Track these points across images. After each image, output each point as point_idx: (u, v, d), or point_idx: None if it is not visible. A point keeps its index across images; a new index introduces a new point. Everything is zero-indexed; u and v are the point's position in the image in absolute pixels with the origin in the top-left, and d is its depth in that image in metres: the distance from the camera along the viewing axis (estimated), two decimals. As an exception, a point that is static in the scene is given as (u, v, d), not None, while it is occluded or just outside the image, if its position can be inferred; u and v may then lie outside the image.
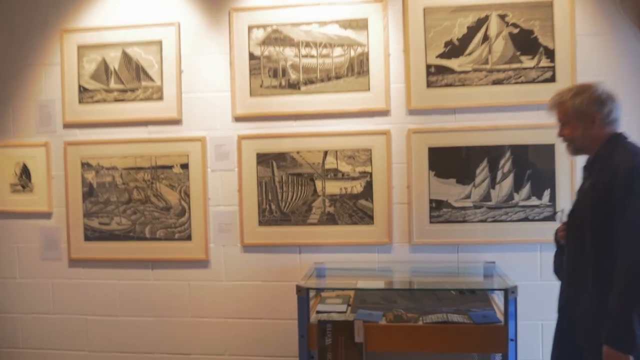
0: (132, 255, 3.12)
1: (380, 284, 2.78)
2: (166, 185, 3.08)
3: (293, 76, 2.97)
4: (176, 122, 3.08)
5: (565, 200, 2.81)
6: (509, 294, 2.28)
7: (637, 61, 2.80)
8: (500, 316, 2.41)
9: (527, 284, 2.80)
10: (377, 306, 2.58)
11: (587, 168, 2.09)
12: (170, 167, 3.08)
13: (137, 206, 3.11)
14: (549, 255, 2.88)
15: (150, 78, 3.08)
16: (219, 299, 3.08)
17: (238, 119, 3.04)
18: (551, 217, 2.82)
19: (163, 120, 3.09)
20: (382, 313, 2.47)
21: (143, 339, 3.16)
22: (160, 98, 3.07)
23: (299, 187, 2.97)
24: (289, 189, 2.97)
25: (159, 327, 3.14)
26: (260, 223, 3.00)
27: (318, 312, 2.56)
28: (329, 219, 2.96)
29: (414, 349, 2.33)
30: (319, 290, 2.76)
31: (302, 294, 2.39)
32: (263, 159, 2.99)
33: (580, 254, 2.00)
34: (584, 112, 2.01)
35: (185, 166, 3.06)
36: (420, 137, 2.90)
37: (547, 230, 2.83)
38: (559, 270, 2.21)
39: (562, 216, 2.11)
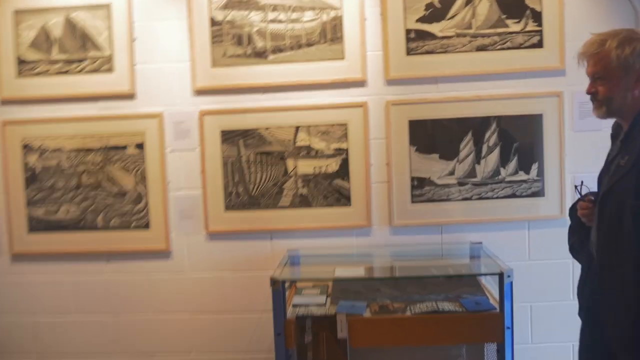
0: (84, 247, 2.79)
1: (360, 271, 2.56)
2: (120, 168, 2.76)
3: (259, 44, 2.68)
4: (129, 96, 2.75)
5: (554, 175, 2.64)
6: (505, 278, 2.09)
7: (628, 24, 2.63)
8: (493, 302, 2.23)
9: (516, 264, 2.61)
10: (359, 296, 2.36)
11: (620, 139, 1.78)
12: (124, 147, 2.76)
13: (88, 192, 2.78)
14: (538, 234, 2.73)
15: (98, 47, 2.73)
16: (182, 293, 2.80)
17: (199, 92, 2.73)
18: (539, 193, 2.65)
19: (114, 95, 2.75)
20: (366, 304, 2.26)
21: (99, 340, 2.85)
22: (110, 69, 2.73)
23: (269, 167, 2.70)
24: (258, 170, 2.71)
25: (117, 326, 2.84)
26: (227, 208, 2.73)
27: (294, 305, 2.32)
28: (302, 202, 2.71)
29: (403, 342, 2.13)
30: (295, 281, 2.51)
31: (277, 287, 2.14)
32: (228, 136, 2.71)
33: (615, 248, 1.67)
34: (632, 67, 1.67)
35: (140, 146, 2.75)
36: (399, 109, 2.66)
37: (536, 207, 2.67)
38: (577, 248, 1.96)
39: (581, 189, 1.90)
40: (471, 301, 2.21)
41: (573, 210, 1.95)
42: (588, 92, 1.78)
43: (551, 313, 2.71)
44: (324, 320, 2.13)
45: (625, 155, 1.70)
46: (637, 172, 1.62)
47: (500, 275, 2.09)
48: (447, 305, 2.18)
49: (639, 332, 1.61)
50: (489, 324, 2.10)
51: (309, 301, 2.34)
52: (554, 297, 2.71)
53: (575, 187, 1.93)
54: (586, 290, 1.86)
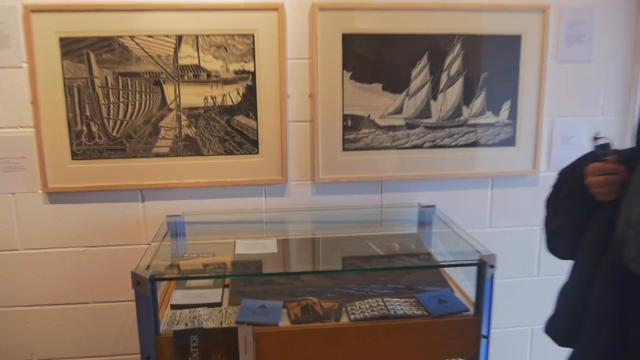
0: None
1: (271, 246, 1.83)
2: None
3: None
4: None
5: (529, 118, 2.00)
6: (486, 269, 1.44)
7: None
8: (461, 297, 1.59)
9: (474, 232, 2.01)
10: (272, 288, 1.63)
11: None
12: None
13: None
14: (502, 193, 2.10)
15: None
16: (13, 278, 1.93)
17: (22, -25, 1.76)
18: (509, 141, 2.01)
19: None
20: (282, 303, 1.53)
21: None
22: None
23: (137, 96, 1.83)
24: (121, 99, 1.82)
25: None
26: (75, 156, 1.85)
27: (173, 307, 1.55)
28: (189, 147, 1.89)
29: (338, 365, 1.44)
30: (169, 279, 1.68)
31: (143, 287, 1.35)
32: (72, 48, 1.78)
33: None
34: None
35: None
36: (330, 16, 1.86)
37: (503, 160, 2.03)
38: (567, 234, 1.26)
39: (601, 145, 1.22)
40: (432, 298, 1.55)
41: (573, 173, 1.25)
42: None
43: (513, 292, 2.15)
44: (217, 335, 1.39)
45: None
46: None
47: (481, 266, 1.43)
48: (400, 306, 1.51)
49: None
50: (460, 332, 1.46)
51: (196, 299, 1.57)
52: (518, 273, 2.14)
53: (595, 138, 1.24)
54: (595, 300, 1.18)
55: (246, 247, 1.86)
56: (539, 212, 2.13)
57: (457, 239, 1.74)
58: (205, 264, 1.79)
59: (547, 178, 2.07)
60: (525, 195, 2.07)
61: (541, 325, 2.17)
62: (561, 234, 1.28)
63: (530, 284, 2.16)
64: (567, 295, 1.27)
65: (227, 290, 1.63)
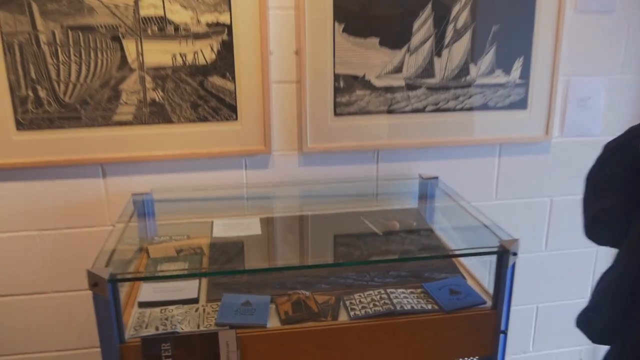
0: None
1: (254, 226, 1.60)
2: None
3: None
4: None
5: (543, 77, 1.77)
6: (509, 257, 1.23)
7: None
8: (473, 285, 1.39)
9: (479, 204, 1.81)
10: (257, 279, 1.41)
11: None
12: None
13: None
14: (510, 162, 1.90)
15: None
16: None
17: None
18: (521, 103, 1.78)
19: None
20: (270, 298, 1.32)
21: None
22: None
23: (92, 55, 1.54)
24: (72, 59, 1.54)
25: None
26: (21, 126, 1.57)
27: (141, 304, 1.32)
28: (156, 114, 1.62)
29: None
30: (134, 279, 1.41)
31: (102, 290, 1.11)
32: (10, -5, 1.49)
33: None
34: None
35: None
36: (318, -41, 1.59)
37: (513, 124, 1.81)
38: (612, 219, 1.06)
39: None
40: (442, 287, 1.35)
41: (622, 149, 1.02)
42: None
43: (519, 268, 1.98)
44: (194, 341, 1.17)
45: None
46: None
47: (502, 254, 1.23)
48: (405, 298, 1.31)
49: None
50: (476, 328, 1.27)
51: (169, 294, 1.35)
52: (524, 248, 1.96)
53: None
54: None
55: (225, 228, 1.62)
56: (550, 183, 1.94)
57: (465, 215, 1.54)
58: (178, 248, 1.56)
59: (559, 145, 1.86)
60: (535, 164, 1.87)
61: (547, 303, 1.98)
62: (605, 219, 1.07)
63: (537, 259, 1.98)
64: (612, 289, 1.08)
65: (205, 282, 1.41)
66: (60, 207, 1.65)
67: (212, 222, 1.65)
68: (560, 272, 2.03)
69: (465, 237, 1.51)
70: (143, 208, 1.64)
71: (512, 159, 1.85)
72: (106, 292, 1.10)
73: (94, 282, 1.10)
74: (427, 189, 1.75)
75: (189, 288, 1.38)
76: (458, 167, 1.82)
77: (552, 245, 1.98)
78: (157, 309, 1.29)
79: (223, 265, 1.46)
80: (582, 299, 2.09)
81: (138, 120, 1.61)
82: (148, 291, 1.36)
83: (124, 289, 1.35)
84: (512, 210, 1.91)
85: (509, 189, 1.88)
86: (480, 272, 1.46)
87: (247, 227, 1.63)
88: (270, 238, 1.59)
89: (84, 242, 1.69)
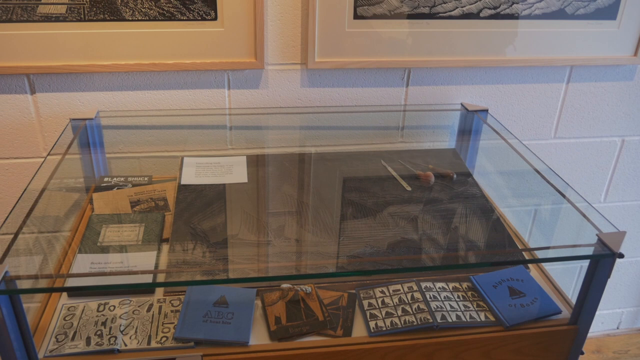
0: None
1: (240, 174, 1.18)
2: None
3: None
4: None
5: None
6: (613, 261, 0.83)
7: None
8: (541, 281, 1.00)
9: (532, 143, 1.40)
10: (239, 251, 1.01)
11: None
12: None
13: None
14: (580, 90, 1.45)
15: None
16: None
17: None
18: (607, 13, 1.30)
19: None
20: (255, 291, 0.92)
21: None
22: None
23: None
24: None
25: None
26: None
27: (72, 292, 0.92)
28: (100, 7, 1.13)
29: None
30: (43, 290, 0.92)
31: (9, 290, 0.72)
32: None
33: None
34: None
35: None
36: None
37: (593, 40, 1.34)
38: None
39: None
40: (499, 284, 0.96)
41: None
42: None
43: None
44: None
45: None
46: None
47: (602, 257, 0.83)
48: (447, 302, 0.92)
49: None
50: (546, 348, 0.90)
51: (112, 279, 0.95)
52: (588, 193, 1.56)
53: None
54: None
55: (199, 171, 1.20)
56: (626, 118, 1.51)
57: (522, 163, 1.13)
58: (134, 199, 1.14)
59: (648, 69, 1.41)
60: (612, 93, 1.42)
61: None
62: None
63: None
64: None
65: (164, 253, 1.00)
66: (-24, 130, 1.22)
67: (182, 160, 1.23)
68: (617, 225, 1.65)
69: (521, 201, 1.10)
70: (86, 136, 1.20)
71: (583, 87, 1.40)
72: (15, 299, 0.70)
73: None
74: (473, 124, 1.31)
75: (143, 262, 0.97)
76: (510, 95, 1.37)
77: (612, 196, 1.58)
78: (94, 303, 0.90)
79: (192, 229, 1.05)
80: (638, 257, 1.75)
81: (75, 15, 1.12)
82: (83, 265, 0.96)
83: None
84: (571, 151, 1.49)
85: (571, 126, 1.45)
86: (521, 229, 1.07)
87: (229, 169, 1.21)
88: (260, 189, 1.17)
89: (10, 177, 1.27)
